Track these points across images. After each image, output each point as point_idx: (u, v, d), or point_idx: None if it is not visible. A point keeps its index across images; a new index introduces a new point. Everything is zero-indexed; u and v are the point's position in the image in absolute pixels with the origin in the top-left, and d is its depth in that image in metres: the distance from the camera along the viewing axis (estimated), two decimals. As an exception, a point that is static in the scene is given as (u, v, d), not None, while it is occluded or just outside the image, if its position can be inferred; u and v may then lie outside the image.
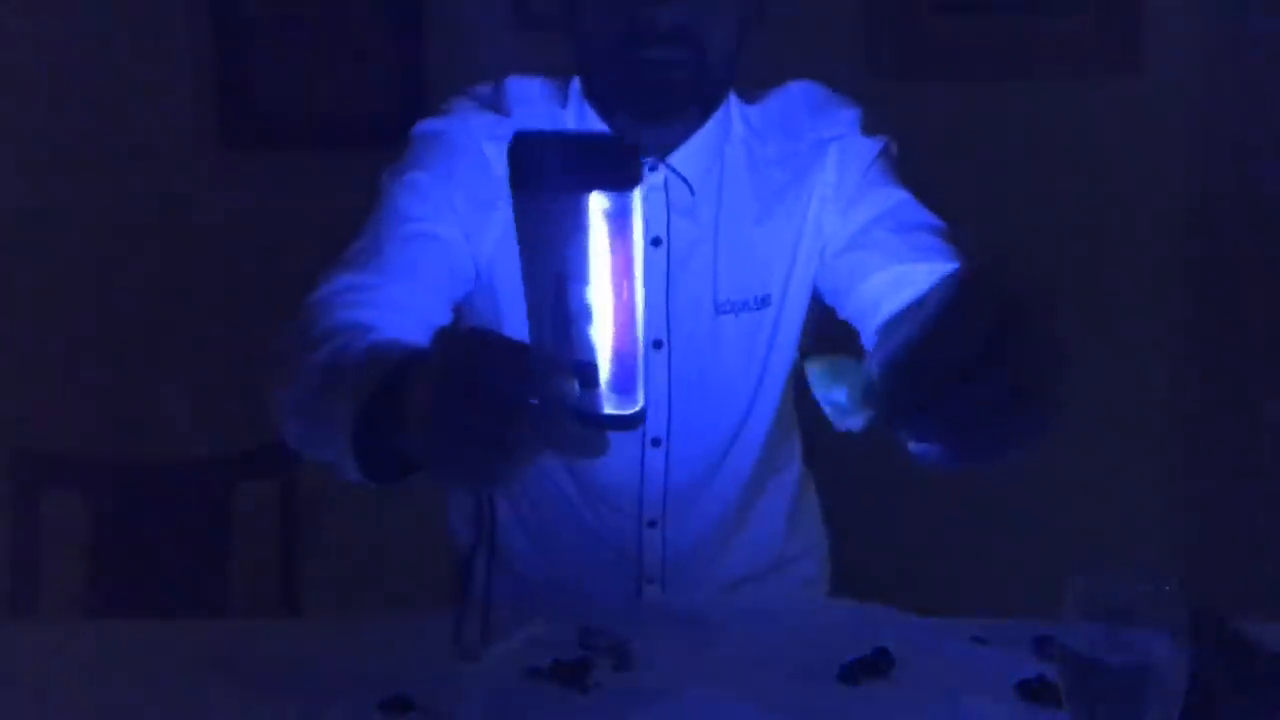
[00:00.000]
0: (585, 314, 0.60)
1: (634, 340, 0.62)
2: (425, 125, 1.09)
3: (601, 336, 0.61)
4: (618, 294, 0.59)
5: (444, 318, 1.02)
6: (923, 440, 0.62)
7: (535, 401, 0.61)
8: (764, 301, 1.10)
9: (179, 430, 1.84)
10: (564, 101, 1.08)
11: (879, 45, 1.99)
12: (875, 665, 0.93)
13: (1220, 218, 2.00)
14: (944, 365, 0.56)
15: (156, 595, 1.48)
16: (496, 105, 1.08)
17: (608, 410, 0.63)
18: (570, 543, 1.16)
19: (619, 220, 0.58)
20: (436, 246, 1.03)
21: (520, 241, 0.60)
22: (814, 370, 0.64)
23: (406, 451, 0.67)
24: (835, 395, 0.62)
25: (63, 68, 2.03)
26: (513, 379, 0.61)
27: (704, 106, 1.05)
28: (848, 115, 1.11)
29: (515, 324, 1.06)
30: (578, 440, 0.62)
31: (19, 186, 2.04)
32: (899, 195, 1.06)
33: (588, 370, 0.61)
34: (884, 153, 1.09)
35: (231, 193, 2.05)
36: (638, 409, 0.64)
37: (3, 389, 1.97)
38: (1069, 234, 1.98)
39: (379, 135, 1.09)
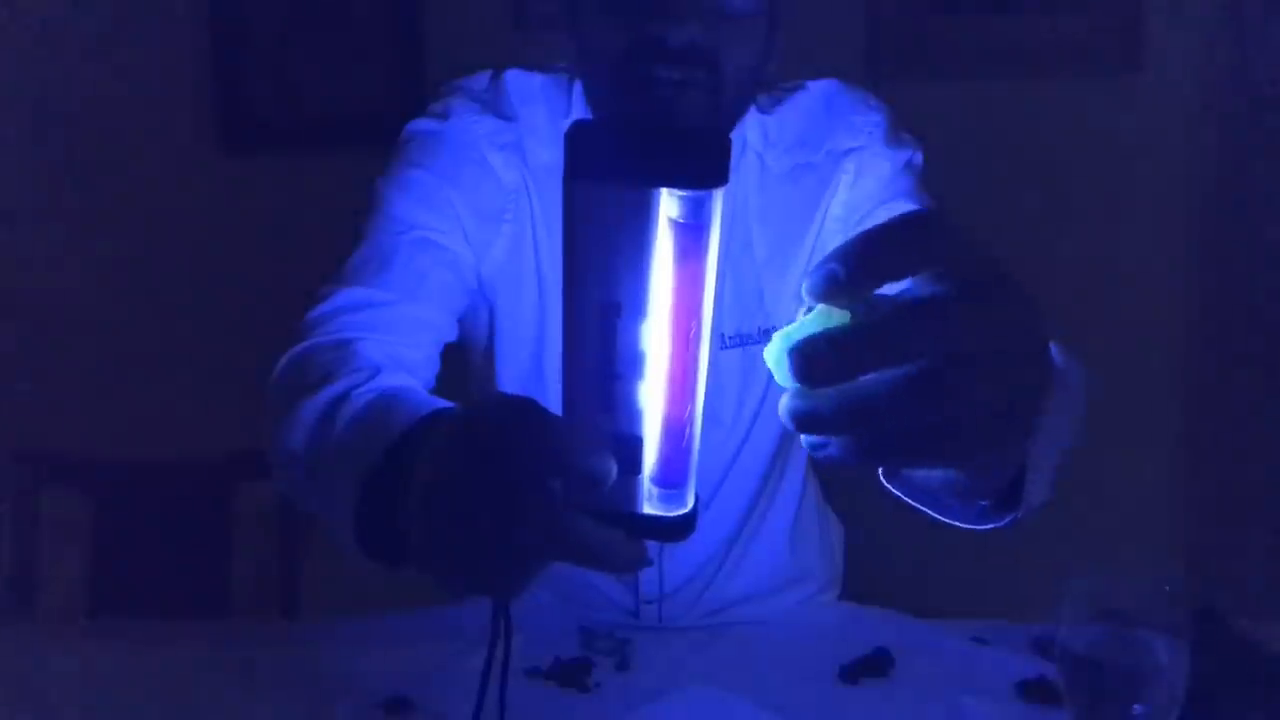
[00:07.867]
0: (636, 364, 0.46)
1: (690, 410, 0.47)
2: (420, 124, 1.00)
3: (652, 400, 0.47)
4: (680, 337, 0.45)
5: (451, 334, 0.96)
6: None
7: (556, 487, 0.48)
8: (767, 334, 1.00)
9: (179, 430, 1.83)
10: (568, 106, 0.99)
11: (879, 45, 1.99)
12: (875, 665, 0.94)
13: (1221, 217, 2.00)
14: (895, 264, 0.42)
15: (156, 595, 1.48)
16: (496, 104, 1.00)
17: (647, 509, 0.49)
18: (562, 577, 1.09)
19: (693, 233, 0.44)
20: (444, 256, 0.94)
21: (567, 258, 0.45)
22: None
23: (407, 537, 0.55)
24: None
25: (62, 71, 2.03)
26: (536, 464, 0.47)
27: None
28: (871, 121, 1.01)
29: (505, 353, 1.02)
30: (606, 548, 0.48)
31: (19, 189, 2.04)
32: (908, 209, 0.95)
33: (630, 448, 0.47)
34: (907, 165, 1.00)
35: (230, 195, 2.05)
36: (686, 510, 0.49)
37: (3, 389, 1.97)
38: (1069, 234, 1.97)
39: (379, 137, 1.04)
